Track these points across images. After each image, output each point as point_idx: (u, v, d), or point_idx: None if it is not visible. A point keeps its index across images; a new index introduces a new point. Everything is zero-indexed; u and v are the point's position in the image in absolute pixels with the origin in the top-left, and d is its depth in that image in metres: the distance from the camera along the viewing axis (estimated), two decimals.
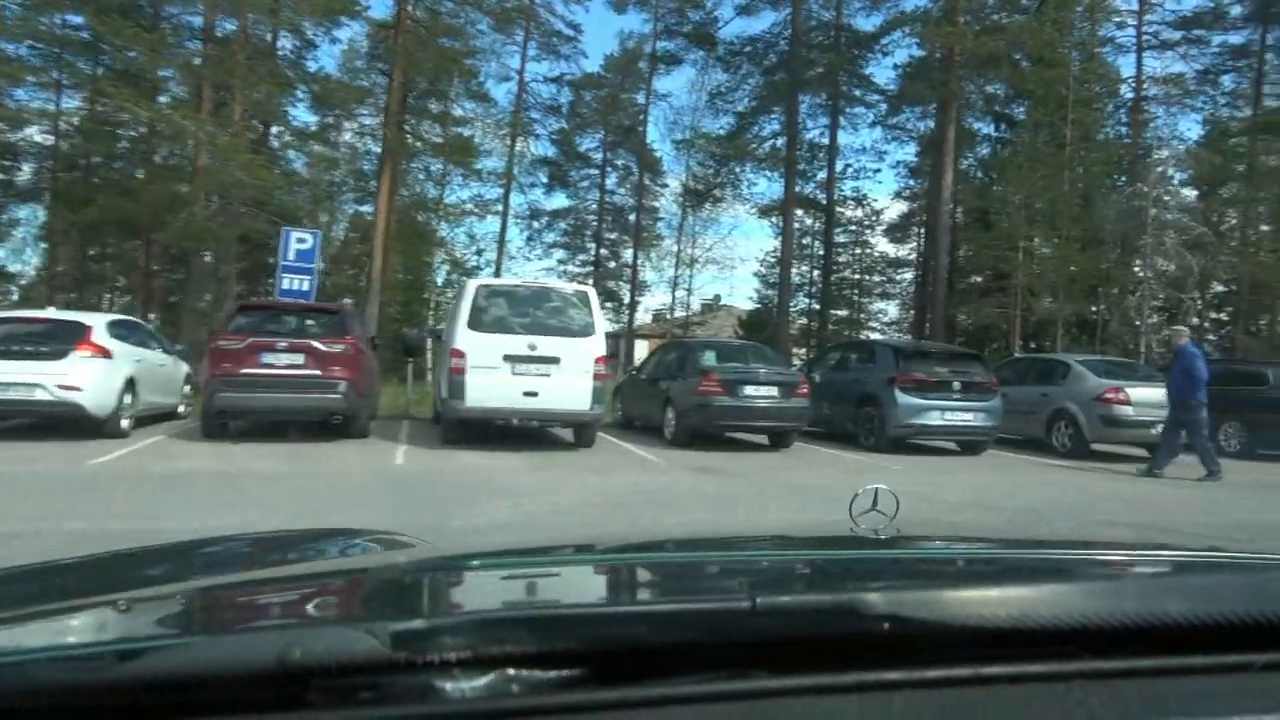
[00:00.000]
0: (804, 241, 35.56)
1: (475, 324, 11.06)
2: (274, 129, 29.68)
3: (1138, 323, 23.36)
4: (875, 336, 23.81)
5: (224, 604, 1.09)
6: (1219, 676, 0.78)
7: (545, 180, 37.87)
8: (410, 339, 15.04)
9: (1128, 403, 12.73)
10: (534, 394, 10.96)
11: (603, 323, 11.56)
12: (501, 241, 30.52)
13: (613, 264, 40.28)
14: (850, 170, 31.42)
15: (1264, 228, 28.70)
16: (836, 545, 1.35)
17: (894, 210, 35.73)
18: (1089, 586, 1.00)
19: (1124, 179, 26.16)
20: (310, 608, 1.05)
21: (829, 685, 0.73)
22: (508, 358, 10.96)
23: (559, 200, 38.92)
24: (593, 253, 39.90)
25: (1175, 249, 21.34)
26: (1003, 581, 1.05)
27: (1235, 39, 30.95)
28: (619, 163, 39.86)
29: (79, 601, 1.08)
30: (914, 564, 1.35)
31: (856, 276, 33.56)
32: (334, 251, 34.17)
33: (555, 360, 11.05)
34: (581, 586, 1.21)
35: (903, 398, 12.68)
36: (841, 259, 33.88)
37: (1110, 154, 24.95)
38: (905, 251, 36.75)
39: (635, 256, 36.07)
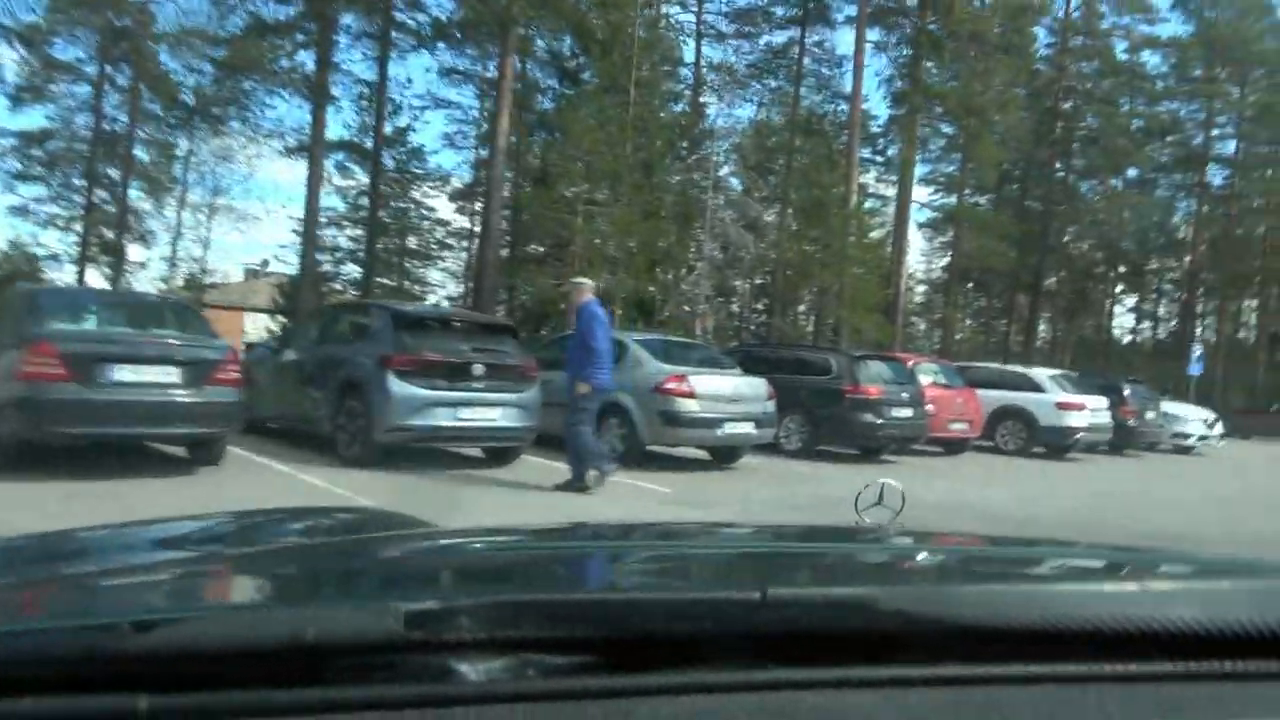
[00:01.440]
0: (361, 201, 30.00)
1: None
2: None
3: (687, 308, 21.79)
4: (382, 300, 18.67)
5: (240, 578, 1.05)
6: (1234, 683, 0.77)
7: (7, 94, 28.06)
8: None
9: (691, 395, 9.65)
10: None
11: None
12: None
13: (113, 208, 31.18)
14: (403, 115, 26.46)
15: (794, 226, 29.27)
16: (845, 539, 1.37)
17: (452, 166, 31.59)
18: (1103, 588, 0.96)
19: (682, 159, 24.68)
20: (325, 585, 1.00)
21: (842, 679, 0.72)
22: None
23: (35, 119, 29.20)
24: (85, 192, 30.54)
25: (734, 228, 19.76)
26: (1015, 580, 1.05)
27: (780, 38, 31.54)
28: (121, 80, 30.89)
29: (95, 570, 1.07)
30: (924, 560, 1.29)
31: (401, 241, 28.60)
32: None
33: None
34: (595, 572, 1.14)
35: (398, 387, 8.30)
36: (400, 209, 28.67)
37: (672, 125, 23.13)
38: (468, 221, 32.80)
39: (124, 190, 27.74)
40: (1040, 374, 15.50)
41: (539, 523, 1.74)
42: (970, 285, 49.85)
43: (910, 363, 13.91)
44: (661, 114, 22.91)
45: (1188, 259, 42.57)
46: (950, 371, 14.72)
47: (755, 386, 10.33)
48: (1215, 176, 40.81)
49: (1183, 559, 1.29)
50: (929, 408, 13.34)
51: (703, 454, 10.73)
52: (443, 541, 1.31)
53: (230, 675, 0.66)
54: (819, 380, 12.18)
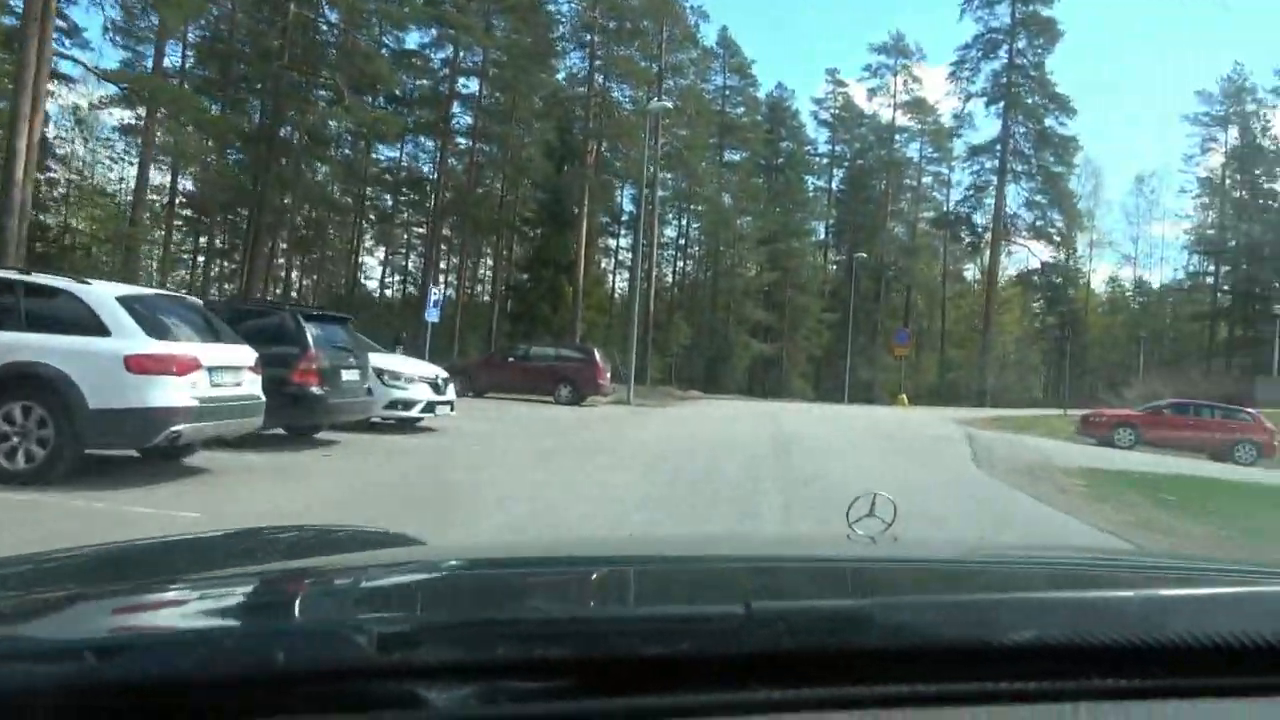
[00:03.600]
0: None
1: None
2: None
3: None
4: None
5: (207, 601, 0.94)
6: (1234, 698, 0.73)
7: None
8: None
9: None
10: None
11: None
12: None
13: None
14: None
15: None
16: (835, 551, 1.28)
17: None
18: (1100, 599, 0.89)
19: None
20: (295, 609, 0.91)
21: (829, 698, 0.67)
22: None
23: None
24: None
25: None
26: (1011, 592, 0.99)
27: None
28: None
29: (57, 596, 0.97)
30: (916, 573, 1.15)
31: None
32: None
33: None
34: (572, 592, 1.05)
35: None
36: None
37: None
38: None
39: None
40: (100, 295, 6.69)
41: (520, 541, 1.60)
42: (208, 221, 39.80)
43: None
44: None
45: (431, 208, 39.25)
46: None
47: None
48: (462, 120, 37.79)
49: (1185, 568, 1.22)
50: None
51: None
52: (420, 561, 1.21)
53: (195, 703, 0.61)
54: None
